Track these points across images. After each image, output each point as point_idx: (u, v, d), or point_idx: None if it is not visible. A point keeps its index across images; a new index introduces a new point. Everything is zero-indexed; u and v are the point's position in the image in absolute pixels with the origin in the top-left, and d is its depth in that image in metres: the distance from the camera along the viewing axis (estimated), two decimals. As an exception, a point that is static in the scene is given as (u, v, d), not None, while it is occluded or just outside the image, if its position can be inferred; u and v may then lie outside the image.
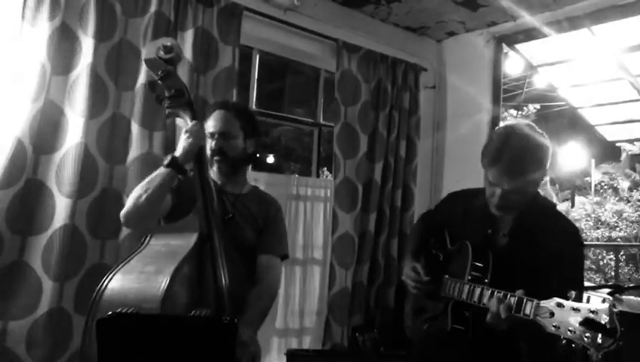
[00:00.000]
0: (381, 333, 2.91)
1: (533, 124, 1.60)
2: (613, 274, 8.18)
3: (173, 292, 1.29)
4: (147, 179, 1.59)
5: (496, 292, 1.43)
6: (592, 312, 1.23)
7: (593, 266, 9.19)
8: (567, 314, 1.25)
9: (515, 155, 1.50)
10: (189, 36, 2.38)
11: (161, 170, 1.57)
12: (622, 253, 8.74)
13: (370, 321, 3.07)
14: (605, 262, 9.09)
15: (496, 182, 1.54)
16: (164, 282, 1.28)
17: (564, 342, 1.24)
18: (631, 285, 2.72)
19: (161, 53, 1.57)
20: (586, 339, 1.21)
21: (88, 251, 2.11)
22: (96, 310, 1.28)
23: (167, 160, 1.58)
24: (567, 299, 1.27)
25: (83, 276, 2.09)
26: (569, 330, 1.23)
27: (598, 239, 10.30)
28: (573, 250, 1.57)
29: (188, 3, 2.39)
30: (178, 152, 1.59)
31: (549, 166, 1.57)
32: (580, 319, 1.23)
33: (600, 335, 1.20)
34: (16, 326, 1.94)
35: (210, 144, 1.76)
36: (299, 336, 3.04)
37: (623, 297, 2.39)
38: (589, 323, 1.22)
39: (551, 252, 1.50)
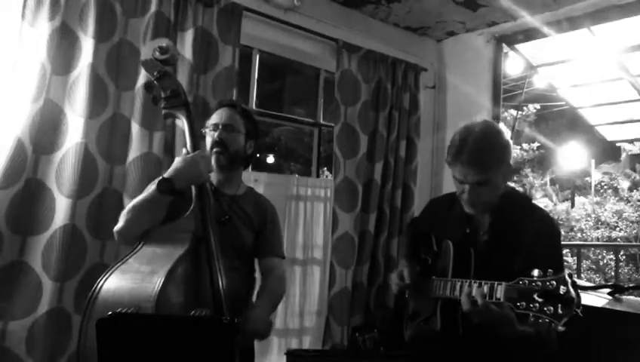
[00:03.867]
0: (381, 333, 2.91)
1: (491, 120, 1.66)
2: (613, 274, 8.17)
3: (167, 292, 1.29)
4: (142, 198, 1.54)
5: (472, 282, 1.46)
6: (550, 284, 1.26)
7: (593, 266, 9.19)
8: (530, 291, 1.29)
9: (474, 147, 1.55)
10: (189, 36, 2.38)
11: (157, 193, 1.50)
12: (622, 253, 8.73)
13: (370, 321, 3.07)
14: (605, 262, 9.09)
15: (462, 178, 1.58)
16: (158, 282, 1.28)
17: (532, 319, 1.26)
18: (631, 285, 2.72)
19: (157, 54, 1.57)
20: (547, 312, 1.24)
21: (88, 251, 2.11)
22: (92, 310, 1.28)
23: (163, 184, 1.49)
24: (533, 277, 1.30)
25: (83, 276, 2.09)
26: (532, 306, 1.26)
27: (598, 239, 10.30)
28: (550, 239, 1.60)
29: (188, 3, 2.39)
30: (177, 180, 1.51)
31: (512, 160, 1.63)
32: (540, 293, 1.26)
33: (559, 306, 1.23)
34: (16, 326, 1.93)
35: (212, 136, 1.76)
36: (299, 336, 3.04)
37: (623, 297, 2.39)
38: (547, 295, 1.25)
39: (529, 243, 1.53)
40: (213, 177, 1.78)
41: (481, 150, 1.55)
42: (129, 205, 1.58)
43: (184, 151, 1.63)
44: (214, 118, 1.79)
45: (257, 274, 1.87)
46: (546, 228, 1.62)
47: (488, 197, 1.62)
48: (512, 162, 1.63)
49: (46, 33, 2.02)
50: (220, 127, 1.76)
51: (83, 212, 2.09)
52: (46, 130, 2.03)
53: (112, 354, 1.06)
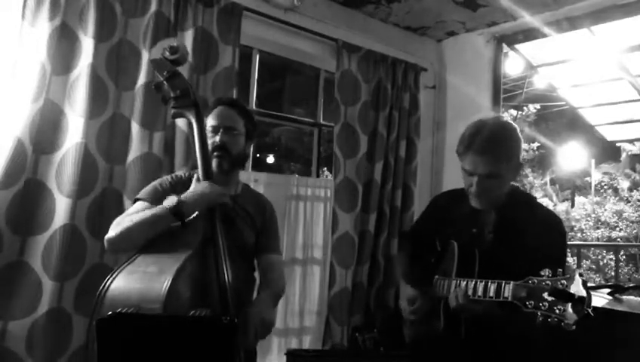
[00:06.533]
0: (381, 333, 2.91)
1: (503, 116, 1.66)
2: (613, 274, 8.17)
3: (176, 292, 1.29)
4: (147, 215, 1.49)
5: (478, 282, 1.47)
6: (560, 283, 1.26)
7: (593, 266, 9.18)
8: (540, 290, 1.28)
9: (488, 137, 1.55)
10: (189, 36, 2.38)
11: (166, 213, 1.47)
12: (622, 253, 8.73)
13: (370, 321, 3.07)
14: (605, 262, 9.09)
15: (471, 169, 1.58)
16: (167, 282, 1.28)
17: (540, 318, 1.25)
18: (631, 285, 2.72)
19: (167, 53, 1.57)
20: (557, 311, 1.23)
21: (88, 251, 2.11)
22: (100, 310, 1.27)
23: (174, 206, 1.47)
24: (542, 277, 1.30)
25: (83, 276, 2.09)
26: (541, 305, 1.26)
27: (598, 239, 10.30)
28: (555, 239, 1.60)
29: (188, 3, 2.39)
30: (188, 205, 1.49)
31: (522, 157, 1.63)
32: (550, 292, 1.26)
33: (570, 305, 1.23)
34: (16, 326, 1.94)
35: (212, 139, 1.72)
36: (299, 336, 3.04)
37: (623, 297, 2.39)
38: (558, 295, 1.25)
39: (535, 243, 1.52)
40: (214, 177, 1.76)
41: (494, 141, 1.55)
42: (126, 218, 1.53)
43: (196, 175, 1.59)
44: (213, 119, 1.76)
45: (256, 273, 1.88)
46: (551, 226, 1.62)
47: (496, 192, 1.62)
48: (521, 160, 1.63)
49: (46, 33, 2.02)
50: (221, 129, 1.73)
51: (83, 212, 2.09)
52: (46, 130, 2.03)
53: (113, 353, 1.06)
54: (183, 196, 1.51)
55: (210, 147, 1.70)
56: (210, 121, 1.76)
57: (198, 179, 1.59)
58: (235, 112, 1.78)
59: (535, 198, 1.80)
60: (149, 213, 1.50)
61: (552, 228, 1.61)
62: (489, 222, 1.67)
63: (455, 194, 1.82)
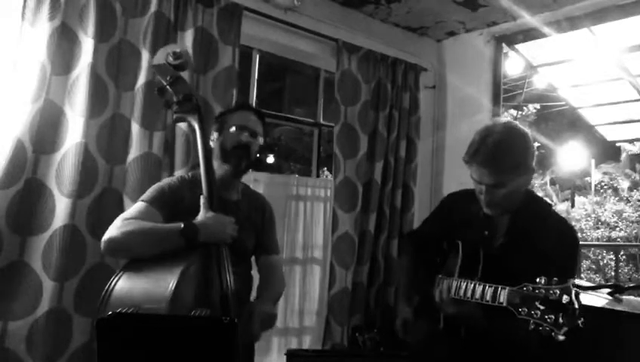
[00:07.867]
0: (381, 333, 2.91)
1: (515, 122, 1.64)
2: (613, 274, 8.17)
3: (180, 292, 1.30)
4: (156, 231, 1.48)
5: (477, 284, 1.46)
6: (553, 292, 1.25)
7: (593, 266, 9.19)
8: (533, 298, 1.28)
9: (491, 148, 1.52)
10: (189, 36, 2.38)
11: (177, 236, 1.44)
12: (622, 253, 8.72)
13: (370, 321, 3.07)
14: (605, 262, 9.09)
15: (478, 178, 1.57)
16: (172, 282, 1.29)
17: (532, 326, 1.25)
18: (631, 285, 2.72)
19: (170, 59, 1.59)
20: (548, 321, 1.23)
21: (88, 251, 2.11)
22: (105, 309, 1.27)
23: (190, 232, 1.45)
24: (537, 284, 1.30)
25: (83, 276, 2.09)
26: (534, 313, 1.26)
27: (598, 239, 10.30)
28: (566, 250, 1.57)
29: (188, 3, 2.39)
30: (202, 234, 1.46)
31: (534, 163, 1.59)
32: (541, 300, 1.26)
33: (561, 315, 1.22)
34: (16, 326, 1.93)
35: (238, 136, 1.73)
36: (299, 336, 3.04)
37: (623, 297, 2.39)
38: (549, 304, 1.25)
39: (545, 251, 1.51)
40: (220, 178, 1.72)
41: (499, 151, 1.51)
42: (133, 224, 1.50)
43: (202, 199, 1.56)
44: (240, 119, 1.77)
45: (253, 272, 1.88)
46: (564, 237, 1.59)
47: (506, 200, 1.58)
48: (534, 165, 1.59)
49: (46, 33, 2.02)
50: (247, 132, 1.74)
51: (83, 212, 2.09)
52: (46, 130, 2.03)
53: (113, 353, 1.06)
54: (198, 223, 1.48)
55: (233, 144, 1.72)
56: (236, 120, 1.77)
57: (205, 206, 1.53)
58: (258, 119, 1.82)
59: (550, 205, 1.75)
60: (158, 228, 1.49)
61: (565, 237, 1.58)
62: (502, 227, 1.65)
63: (467, 195, 1.77)
